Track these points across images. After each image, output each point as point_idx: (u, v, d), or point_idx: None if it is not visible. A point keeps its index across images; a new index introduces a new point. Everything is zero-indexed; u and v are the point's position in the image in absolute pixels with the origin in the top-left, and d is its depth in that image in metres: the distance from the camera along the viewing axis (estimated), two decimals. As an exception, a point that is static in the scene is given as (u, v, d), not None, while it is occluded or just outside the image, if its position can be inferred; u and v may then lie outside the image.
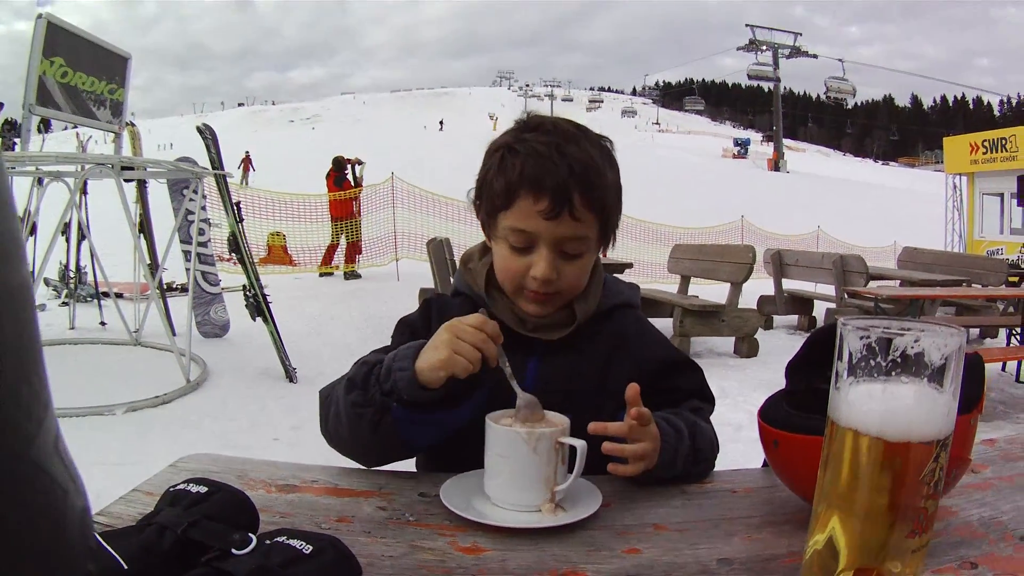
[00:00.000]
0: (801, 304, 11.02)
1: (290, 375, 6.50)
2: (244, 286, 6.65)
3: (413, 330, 1.51)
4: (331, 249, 14.62)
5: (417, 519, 1.11)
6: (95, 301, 8.26)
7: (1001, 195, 18.63)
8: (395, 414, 1.22)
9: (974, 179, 19.47)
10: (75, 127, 8.83)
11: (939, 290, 8.67)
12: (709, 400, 1.53)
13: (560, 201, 1.31)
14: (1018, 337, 8.04)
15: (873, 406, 0.75)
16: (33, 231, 6.95)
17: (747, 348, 8.72)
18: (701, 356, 8.65)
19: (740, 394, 6.85)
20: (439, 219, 15.89)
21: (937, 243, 18.45)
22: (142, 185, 7.90)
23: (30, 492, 0.45)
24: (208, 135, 6.65)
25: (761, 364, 8.32)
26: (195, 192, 7.04)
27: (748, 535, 1.07)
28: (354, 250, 14.74)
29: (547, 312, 1.44)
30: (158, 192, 8.01)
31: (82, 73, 7.27)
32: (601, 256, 1.53)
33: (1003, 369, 7.75)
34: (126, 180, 6.66)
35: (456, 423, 1.26)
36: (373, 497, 1.19)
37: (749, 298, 9.24)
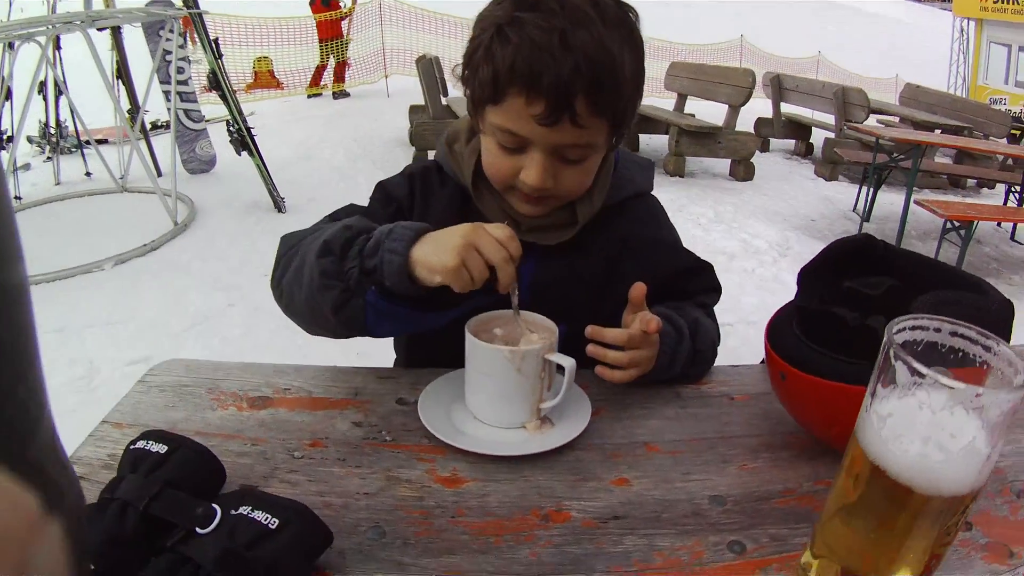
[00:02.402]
0: (799, 129, 10.78)
1: (279, 206, 6.38)
2: (228, 121, 6.44)
3: (398, 205, 1.34)
4: (319, 70, 14.21)
5: (394, 438, 1.06)
6: (79, 152, 8.03)
7: (1009, 46, 17.89)
8: (368, 297, 1.06)
9: (983, 25, 18.63)
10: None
11: (942, 137, 8.43)
12: (716, 290, 1.42)
13: (559, 106, 1.08)
14: (1016, 195, 7.71)
15: (909, 449, 0.66)
16: (8, 95, 6.60)
17: (743, 171, 8.61)
18: (696, 176, 8.59)
19: (735, 220, 6.82)
20: (430, 35, 15.31)
21: (939, 82, 17.84)
22: (116, 31, 7.49)
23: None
24: (180, -27, 6.30)
25: (756, 189, 8.26)
26: (171, 32, 6.71)
27: (743, 463, 1.03)
28: (343, 68, 14.34)
29: (542, 213, 1.26)
30: (134, 34, 7.60)
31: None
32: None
33: (998, 225, 7.52)
34: (99, 28, 6.33)
35: (430, 325, 1.12)
36: (348, 408, 1.13)
37: (746, 117, 9.01)
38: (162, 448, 0.85)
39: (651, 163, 1.46)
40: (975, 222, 5.59)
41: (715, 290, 1.42)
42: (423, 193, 1.36)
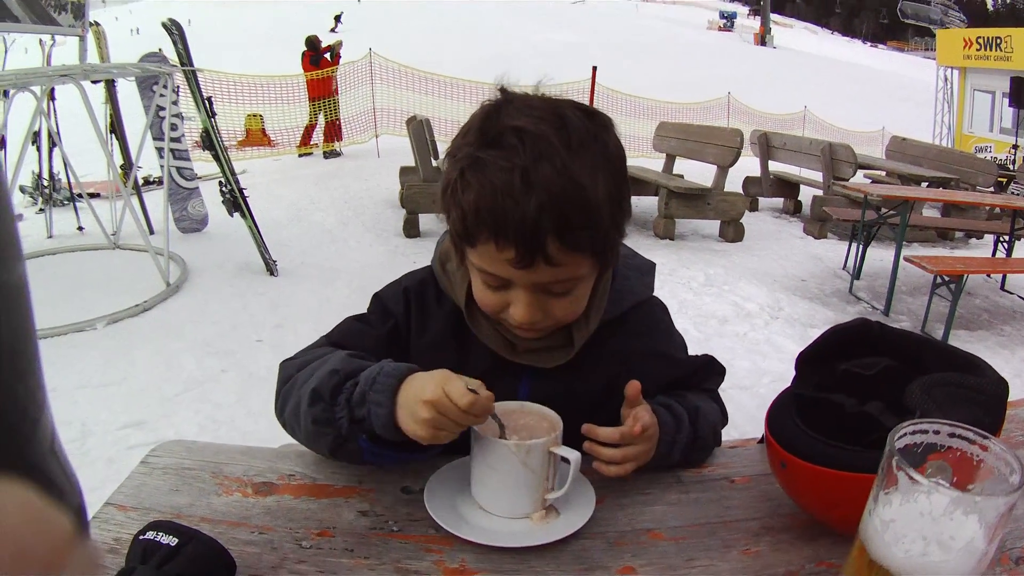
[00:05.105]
0: (787, 187, 10.93)
1: (271, 269, 6.39)
2: (220, 182, 6.48)
3: (395, 322, 1.32)
4: (309, 129, 14.34)
5: (400, 528, 1.06)
6: (72, 204, 8.05)
7: (992, 93, 18.36)
8: (360, 443, 1.09)
9: (966, 73, 19.16)
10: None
11: (929, 192, 8.54)
12: (720, 374, 1.42)
13: (531, 249, 1.03)
14: (1005, 245, 7.70)
15: (911, 549, 0.69)
16: (2, 143, 6.67)
17: (733, 232, 8.68)
18: (686, 238, 8.67)
19: (726, 283, 6.85)
20: (418, 94, 15.59)
21: (924, 132, 18.26)
22: (111, 85, 7.56)
23: None
24: (175, 31, 6.34)
25: (746, 250, 8.32)
26: (164, 87, 6.80)
27: (746, 548, 1.04)
28: (333, 129, 14.46)
29: (537, 336, 1.23)
30: (128, 88, 7.70)
31: (40, -20, 6.86)
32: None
33: (988, 276, 7.52)
34: (93, 81, 6.42)
35: (422, 459, 1.13)
36: (353, 497, 1.14)
37: (734, 175, 9.12)
38: (172, 540, 0.86)
39: (652, 266, 1.42)
40: (965, 276, 5.62)
41: (719, 374, 1.42)
42: (419, 312, 1.33)
